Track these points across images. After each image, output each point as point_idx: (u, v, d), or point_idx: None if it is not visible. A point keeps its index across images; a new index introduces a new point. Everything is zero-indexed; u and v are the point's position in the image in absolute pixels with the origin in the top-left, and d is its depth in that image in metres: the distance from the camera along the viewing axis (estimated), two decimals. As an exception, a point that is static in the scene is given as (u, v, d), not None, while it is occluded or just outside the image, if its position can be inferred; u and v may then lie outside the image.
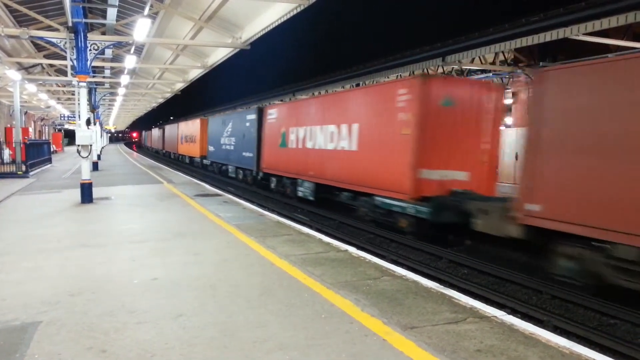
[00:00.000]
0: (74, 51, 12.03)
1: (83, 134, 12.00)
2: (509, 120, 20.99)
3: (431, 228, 10.32)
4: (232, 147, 24.24)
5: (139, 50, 20.39)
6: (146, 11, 12.87)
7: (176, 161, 41.73)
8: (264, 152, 19.65)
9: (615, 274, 6.64)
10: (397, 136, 10.94)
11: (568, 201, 7.12)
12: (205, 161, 30.90)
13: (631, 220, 6.19)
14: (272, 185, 19.25)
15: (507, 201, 8.57)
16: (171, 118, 69.63)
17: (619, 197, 6.43)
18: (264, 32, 13.48)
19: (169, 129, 47.95)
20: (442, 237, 10.44)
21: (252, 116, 21.14)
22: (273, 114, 18.98)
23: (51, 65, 22.78)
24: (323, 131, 14.55)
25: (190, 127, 35.64)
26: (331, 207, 14.82)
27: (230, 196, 14.28)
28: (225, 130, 25.45)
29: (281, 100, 29.91)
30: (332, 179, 13.91)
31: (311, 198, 15.43)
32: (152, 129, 70.13)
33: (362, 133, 12.52)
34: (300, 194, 16.20)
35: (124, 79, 23.53)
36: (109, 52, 19.25)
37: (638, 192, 6.20)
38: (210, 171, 29.63)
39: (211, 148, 28.78)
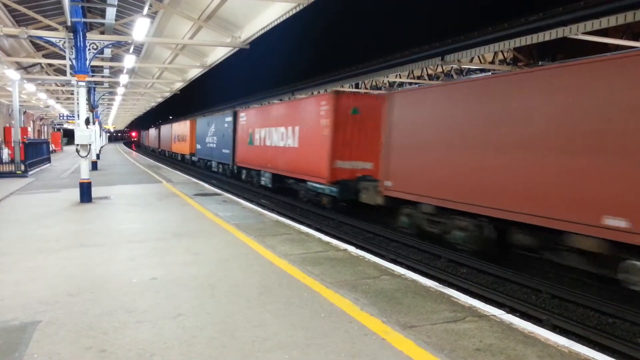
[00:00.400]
0: (73, 51, 12.02)
1: (82, 133, 11.99)
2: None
3: (340, 203, 14.17)
4: (214, 145, 27.98)
5: (138, 49, 20.36)
6: (145, 11, 12.84)
7: (171, 159, 43.12)
8: (237, 149, 23.27)
9: (425, 223, 10.32)
10: (320, 136, 14.32)
11: (403, 179, 10.85)
12: (193, 158, 34.54)
13: (426, 188, 10.07)
14: (243, 176, 22.82)
15: (379, 181, 11.94)
16: (170, 117, 69.88)
17: (421, 176, 10.29)
18: (263, 31, 13.46)
19: (164, 129, 51.36)
20: (349, 209, 14.35)
21: (229, 118, 24.74)
22: (244, 117, 22.60)
23: (50, 65, 22.74)
24: (277, 132, 17.99)
25: (181, 127, 39.07)
26: (284, 193, 18.35)
27: (230, 195, 14.27)
28: (209, 130, 29.12)
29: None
30: (283, 169, 17.35)
31: (270, 185, 18.98)
32: (150, 129, 71.83)
33: (301, 134, 15.93)
34: (262, 182, 19.76)
35: (123, 79, 23.51)
36: (108, 52, 19.25)
37: (428, 173, 10.10)
38: (200, 167, 32.78)
39: (198, 146, 32.60)
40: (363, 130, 13.79)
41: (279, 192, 18.53)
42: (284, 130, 17.34)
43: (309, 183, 15.43)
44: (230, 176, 25.08)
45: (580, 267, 7.35)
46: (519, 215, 7.85)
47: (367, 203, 12.67)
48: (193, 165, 34.65)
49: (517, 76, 8.76)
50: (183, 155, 39.20)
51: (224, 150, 25.81)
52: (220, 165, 27.21)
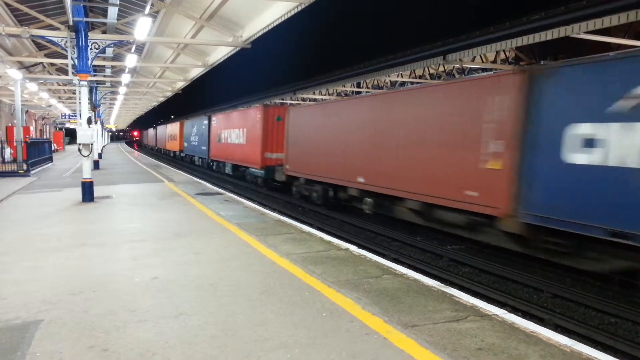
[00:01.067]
0: (75, 50, 12.03)
1: (84, 132, 12.00)
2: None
3: (267, 182, 20.37)
4: (196, 143, 34.21)
5: (139, 49, 20.37)
6: (147, 10, 12.84)
7: (171, 159, 45.18)
8: (211, 146, 29.48)
9: (303, 190, 16.11)
10: (256, 136, 20.37)
11: (294, 164, 16.58)
12: (182, 154, 40.99)
13: (303, 169, 15.74)
14: (214, 167, 29.39)
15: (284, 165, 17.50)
16: (172, 117, 70.34)
17: (301, 161, 15.98)
18: (264, 31, 13.46)
19: (160, 129, 58.38)
20: (278, 187, 19.81)
21: (205, 122, 30.94)
22: (215, 120, 28.92)
23: (52, 64, 22.75)
24: (234, 132, 24.06)
25: (173, 128, 46.37)
26: (241, 179, 23.72)
27: (232, 195, 14.28)
28: (192, 131, 35.54)
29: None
30: (238, 160, 23.39)
31: (231, 173, 25.27)
32: (149, 129, 75.67)
33: (246, 134, 21.90)
34: (226, 171, 26.14)
35: (125, 78, 23.52)
36: (109, 51, 19.21)
37: (304, 160, 15.76)
38: (186, 162, 39.18)
39: (185, 144, 38.94)
40: (281, 131, 18.51)
41: (239, 179, 24.08)
42: (238, 132, 23.40)
43: (250, 169, 21.73)
44: (207, 168, 31.23)
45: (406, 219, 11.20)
46: (346, 182, 13.33)
47: (279, 180, 18.65)
48: (182, 161, 41.13)
49: (360, 99, 14.56)
50: (174, 152, 45.35)
51: (202, 147, 31.95)
52: (200, 160, 33.57)
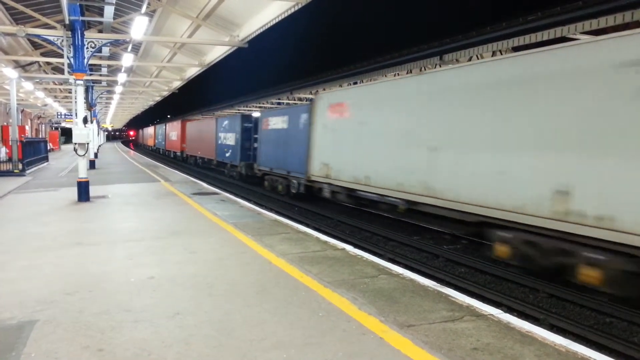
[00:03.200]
0: (71, 49, 11.98)
1: (80, 132, 11.96)
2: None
3: (186, 160, 36.76)
4: (162, 140, 48.71)
5: (136, 48, 20.32)
6: (143, 9, 12.82)
7: (172, 159, 45.55)
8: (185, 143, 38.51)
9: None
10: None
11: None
12: (156, 147, 54.77)
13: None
14: (187, 159, 37.29)
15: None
16: (168, 116, 71.13)
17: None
18: (261, 30, 13.46)
19: (147, 130, 70.82)
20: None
21: (178, 122, 40.35)
22: (187, 124, 37.98)
23: (48, 63, 22.66)
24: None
25: (150, 130, 62.97)
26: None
27: (228, 194, 14.26)
28: (161, 130, 50.72)
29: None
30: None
31: (200, 163, 32.79)
32: (143, 129, 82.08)
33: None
34: (191, 161, 35.79)
35: (121, 77, 23.46)
36: (106, 50, 19.14)
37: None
38: (165, 155, 47.93)
39: (159, 139, 52.20)
40: (201, 135, 30.31)
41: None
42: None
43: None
44: (182, 160, 38.91)
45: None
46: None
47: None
48: (158, 153, 52.63)
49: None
50: (150, 147, 62.07)
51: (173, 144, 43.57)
52: (174, 153, 42.98)
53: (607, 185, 6.11)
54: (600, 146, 6.23)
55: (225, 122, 25.46)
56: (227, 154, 24.82)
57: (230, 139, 24.35)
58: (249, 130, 22.42)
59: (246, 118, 22.77)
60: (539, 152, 7.07)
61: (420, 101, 9.73)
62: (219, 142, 26.42)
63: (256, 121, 21.56)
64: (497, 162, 7.79)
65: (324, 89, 23.79)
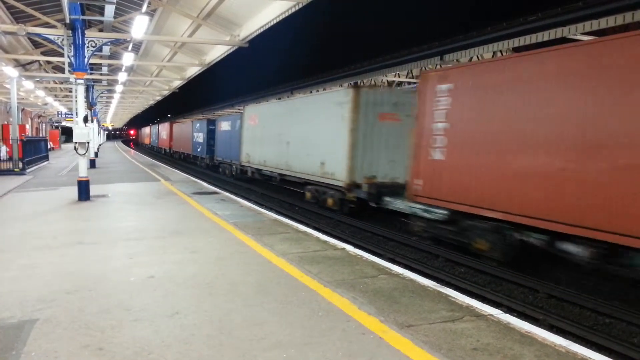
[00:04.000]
0: (72, 48, 11.98)
1: (80, 131, 11.96)
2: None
3: (173, 155, 44.06)
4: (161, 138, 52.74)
5: (136, 47, 20.33)
6: (144, 8, 12.81)
7: (171, 158, 46.58)
8: (173, 140, 43.99)
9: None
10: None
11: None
12: (151, 145, 60.96)
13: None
14: (174, 154, 42.91)
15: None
16: (169, 116, 72.00)
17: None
18: (262, 30, 13.46)
19: (144, 129, 79.66)
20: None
21: (167, 124, 48.20)
22: (175, 125, 43.67)
23: (48, 62, 22.68)
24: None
25: (147, 129, 72.58)
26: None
27: (228, 194, 14.27)
28: (155, 130, 57.55)
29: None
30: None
31: (182, 158, 38.87)
32: (142, 128, 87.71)
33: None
34: (180, 157, 40.15)
35: (122, 76, 23.46)
36: (106, 49, 19.15)
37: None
38: (156, 151, 55.29)
39: (153, 138, 58.58)
40: (184, 134, 35.59)
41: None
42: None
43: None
44: (170, 156, 44.25)
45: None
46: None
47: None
48: (153, 150, 58.83)
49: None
50: (148, 145, 68.08)
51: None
52: (164, 150, 49.02)
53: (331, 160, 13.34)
54: (326, 144, 13.64)
55: (197, 125, 33.03)
56: (199, 149, 32.32)
57: (200, 137, 31.70)
58: (213, 131, 28.56)
59: (211, 122, 29.66)
60: (312, 145, 14.43)
61: (282, 116, 17.22)
62: (194, 140, 33.88)
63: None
64: (305, 150, 14.90)
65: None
